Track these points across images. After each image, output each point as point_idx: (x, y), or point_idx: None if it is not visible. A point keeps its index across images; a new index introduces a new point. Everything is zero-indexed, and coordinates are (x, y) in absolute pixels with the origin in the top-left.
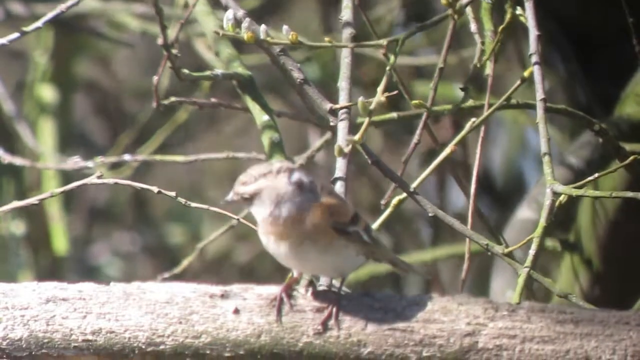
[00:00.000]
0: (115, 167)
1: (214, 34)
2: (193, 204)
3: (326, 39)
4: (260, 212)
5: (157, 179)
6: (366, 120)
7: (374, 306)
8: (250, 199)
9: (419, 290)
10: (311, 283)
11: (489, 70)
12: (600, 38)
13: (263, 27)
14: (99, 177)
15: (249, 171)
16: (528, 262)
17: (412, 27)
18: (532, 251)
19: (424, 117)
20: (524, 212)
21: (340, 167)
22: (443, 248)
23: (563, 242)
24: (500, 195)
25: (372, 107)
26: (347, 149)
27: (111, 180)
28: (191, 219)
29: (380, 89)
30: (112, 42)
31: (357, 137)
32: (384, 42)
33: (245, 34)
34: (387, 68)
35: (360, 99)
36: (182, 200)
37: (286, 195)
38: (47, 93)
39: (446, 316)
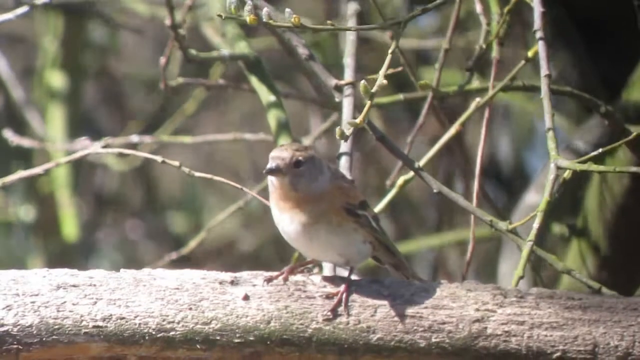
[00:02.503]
0: (122, 155)
1: (218, 17)
2: (197, 174)
3: (328, 21)
4: (304, 178)
5: (166, 169)
6: (368, 102)
7: (383, 293)
8: (299, 164)
9: (426, 276)
10: (319, 268)
11: (495, 52)
12: (606, 23)
13: (265, 9)
14: (104, 147)
15: (287, 144)
16: (531, 236)
17: (415, 10)
18: (535, 225)
19: (429, 98)
20: (531, 197)
21: (346, 144)
22: (450, 234)
23: (571, 228)
24: (508, 184)
25: (373, 89)
26: (348, 132)
27: (115, 150)
28: (195, 208)
29: (382, 71)
30: (120, 27)
31: (358, 119)
32: (386, 24)
33: (247, 17)
34: (390, 50)
35: (362, 82)
36: (186, 170)
37: (323, 169)
38: (57, 80)
39: (455, 302)
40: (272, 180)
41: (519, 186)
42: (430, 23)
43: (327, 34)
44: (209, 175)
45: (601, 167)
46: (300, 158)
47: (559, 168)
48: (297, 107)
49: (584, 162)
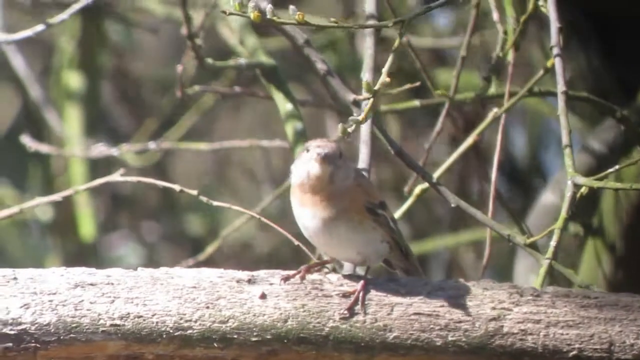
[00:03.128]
0: (140, 153)
1: (222, 13)
2: (215, 203)
3: (332, 19)
4: (342, 169)
5: (182, 166)
6: (370, 100)
7: (400, 291)
8: (340, 156)
9: (442, 275)
10: (334, 270)
11: (510, 57)
12: (622, 26)
13: (269, 6)
14: (122, 175)
15: (322, 139)
16: (549, 254)
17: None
18: (553, 242)
19: (446, 106)
20: (547, 197)
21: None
22: (465, 233)
23: (586, 226)
24: (524, 182)
25: (377, 86)
26: (350, 129)
27: (134, 179)
28: (211, 209)
29: (385, 68)
30: (136, 27)
31: (360, 117)
32: (389, 23)
33: (251, 13)
34: (393, 47)
35: (365, 80)
36: (204, 199)
37: (349, 165)
38: (74, 80)
39: (471, 301)
40: (309, 171)
41: (534, 184)
42: (447, 23)
43: (344, 35)
44: (227, 205)
45: (618, 185)
46: (342, 150)
47: (576, 185)
48: (314, 111)
49: (601, 178)
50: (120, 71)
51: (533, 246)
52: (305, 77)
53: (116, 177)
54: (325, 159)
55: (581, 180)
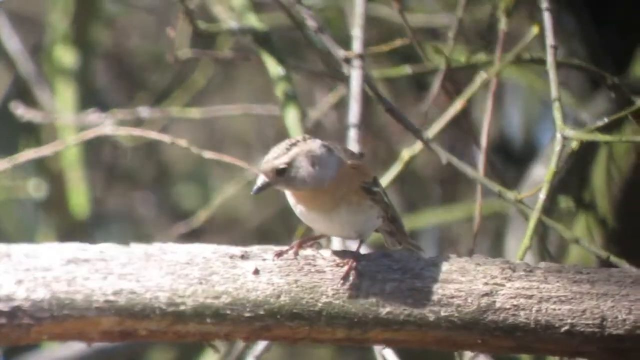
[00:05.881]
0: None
1: None
2: (207, 154)
3: None
4: (298, 178)
5: (176, 146)
6: None
7: (393, 267)
8: (284, 172)
9: (434, 250)
10: (328, 240)
11: (502, 24)
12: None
13: None
14: (114, 123)
15: (272, 150)
16: (538, 206)
17: None
18: (542, 195)
19: (443, 68)
20: (538, 170)
21: (354, 113)
22: (458, 208)
23: (577, 201)
24: (519, 161)
25: None
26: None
27: (124, 130)
28: (206, 184)
29: None
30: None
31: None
32: None
33: None
34: None
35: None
36: (195, 150)
37: (322, 157)
38: (67, 56)
39: (464, 276)
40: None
41: (529, 163)
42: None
43: (335, 13)
44: (218, 155)
45: (607, 137)
46: (281, 166)
47: (565, 138)
48: (305, 83)
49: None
50: (114, 48)
51: (523, 204)
52: (296, 53)
53: (107, 130)
54: (260, 191)
55: (570, 133)
